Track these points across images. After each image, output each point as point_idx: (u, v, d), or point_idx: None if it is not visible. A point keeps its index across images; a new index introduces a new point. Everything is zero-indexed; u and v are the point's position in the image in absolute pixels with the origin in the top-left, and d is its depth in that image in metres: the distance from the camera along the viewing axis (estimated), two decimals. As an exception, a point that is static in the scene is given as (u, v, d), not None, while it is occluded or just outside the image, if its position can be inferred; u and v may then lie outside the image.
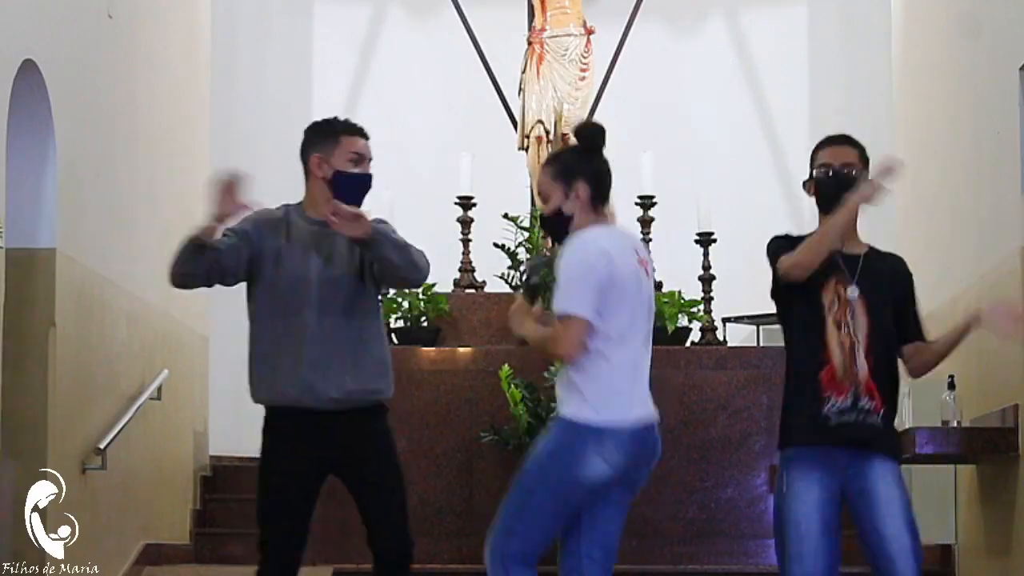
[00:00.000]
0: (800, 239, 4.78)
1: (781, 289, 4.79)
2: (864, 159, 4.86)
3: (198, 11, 10.17)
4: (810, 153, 4.92)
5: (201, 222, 4.88)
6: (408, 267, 4.98)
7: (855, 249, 4.81)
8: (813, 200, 4.87)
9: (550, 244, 9.50)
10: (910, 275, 4.90)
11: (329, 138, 5.05)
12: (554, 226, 4.67)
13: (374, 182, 5.13)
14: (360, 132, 5.11)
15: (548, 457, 4.51)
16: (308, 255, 4.97)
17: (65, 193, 6.76)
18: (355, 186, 5.05)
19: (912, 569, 4.65)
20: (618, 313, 4.51)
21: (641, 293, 4.58)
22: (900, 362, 4.85)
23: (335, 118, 5.15)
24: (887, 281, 4.80)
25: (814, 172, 4.84)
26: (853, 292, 4.72)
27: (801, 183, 4.95)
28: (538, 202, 4.67)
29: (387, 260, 4.90)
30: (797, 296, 4.76)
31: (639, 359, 4.60)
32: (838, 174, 4.80)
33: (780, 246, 4.80)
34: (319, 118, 5.19)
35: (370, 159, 5.10)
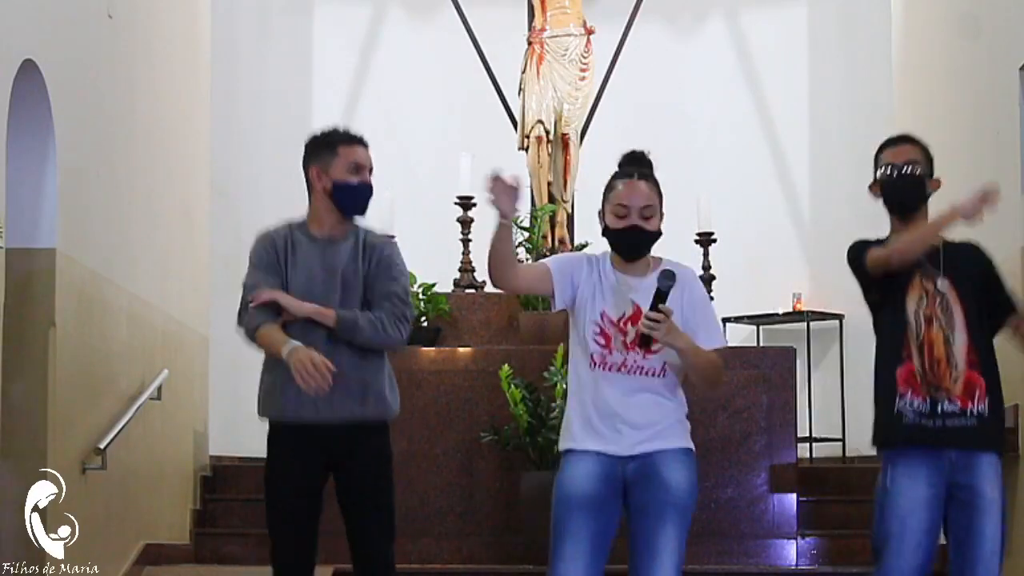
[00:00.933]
0: (880, 243, 4.78)
1: (871, 289, 4.79)
2: (927, 156, 4.87)
3: (198, 11, 10.16)
4: (874, 156, 4.92)
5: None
6: (383, 342, 4.98)
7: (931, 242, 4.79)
8: (880, 202, 4.85)
9: (568, 245, 9.46)
10: (990, 258, 4.90)
11: (327, 150, 5.06)
12: (646, 244, 4.62)
13: (376, 183, 5.13)
14: (358, 141, 5.10)
15: (694, 491, 4.58)
16: (312, 274, 4.98)
17: (65, 193, 6.76)
18: (355, 196, 5.06)
19: (995, 572, 4.64)
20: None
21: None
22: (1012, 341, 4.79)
23: (334, 129, 5.14)
24: (972, 267, 4.81)
25: (878, 173, 4.84)
26: (943, 283, 4.73)
27: (867, 187, 4.93)
28: (632, 213, 4.60)
29: (361, 341, 4.94)
30: (883, 298, 4.76)
31: None
32: (902, 172, 4.80)
33: (866, 244, 4.80)
34: (319, 126, 5.20)
35: (371, 168, 5.08)
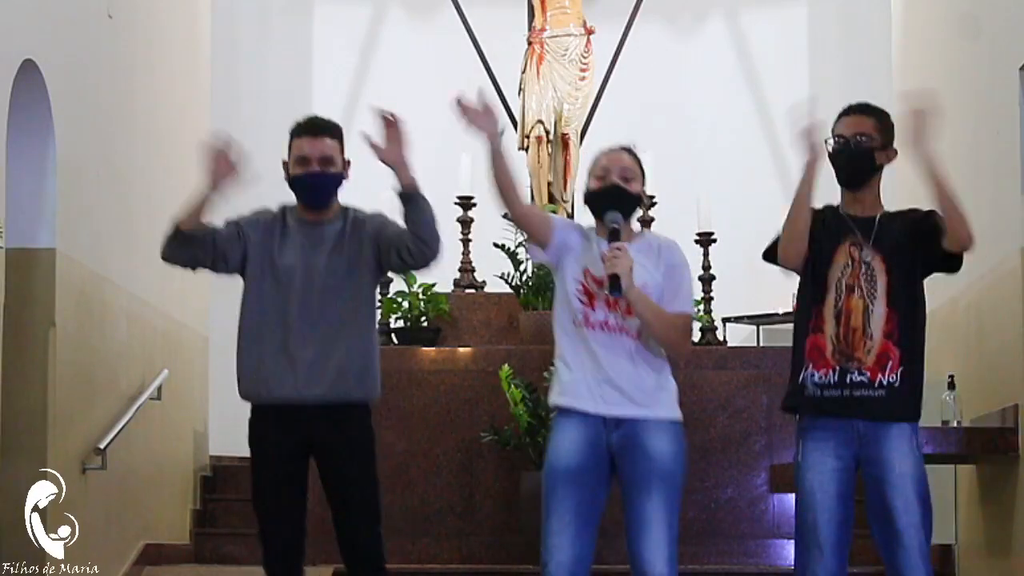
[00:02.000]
0: (821, 211, 4.80)
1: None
2: (884, 125, 4.84)
3: (198, 11, 10.17)
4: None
5: (195, 192, 4.90)
6: (432, 236, 5.01)
7: (870, 212, 4.79)
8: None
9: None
10: (911, 209, 4.84)
11: (289, 142, 5.07)
12: (628, 205, 4.69)
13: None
14: (306, 131, 5.08)
15: (680, 460, 4.66)
16: (300, 257, 4.99)
17: (65, 193, 6.76)
18: (303, 188, 5.06)
19: (919, 545, 4.61)
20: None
21: None
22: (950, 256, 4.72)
23: (296, 122, 5.14)
24: (902, 233, 4.76)
25: (828, 144, 4.84)
26: (868, 253, 4.71)
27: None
28: (612, 174, 4.66)
29: (423, 219, 4.95)
30: (809, 264, 4.77)
31: None
32: (849, 145, 4.80)
33: (776, 240, 4.85)
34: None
35: (324, 157, 5.03)
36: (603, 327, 4.59)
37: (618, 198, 4.66)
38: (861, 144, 4.80)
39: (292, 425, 4.96)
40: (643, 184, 4.76)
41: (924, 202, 4.82)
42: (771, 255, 4.91)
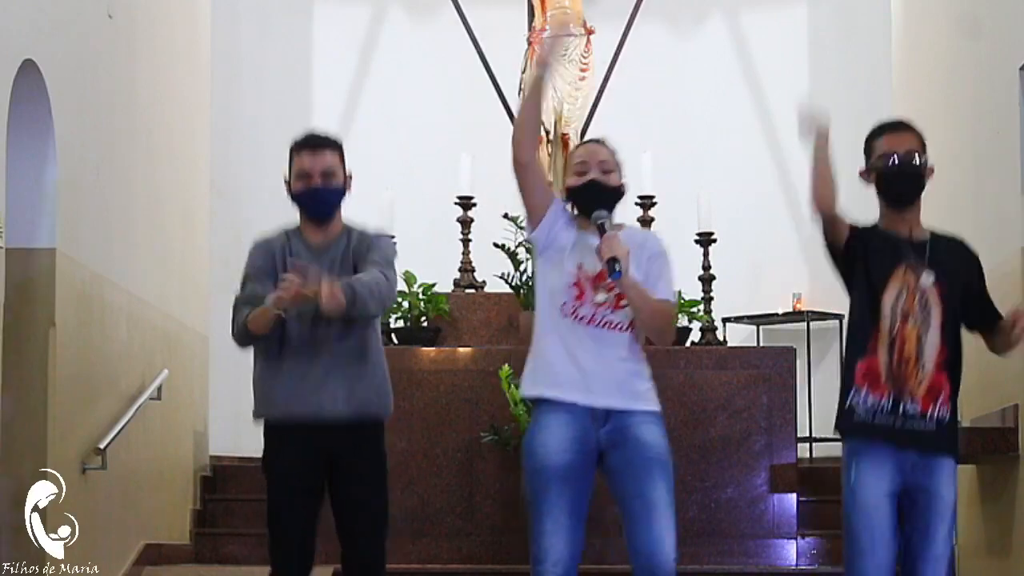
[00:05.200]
0: (862, 231, 4.71)
1: (840, 261, 4.74)
2: (923, 143, 4.75)
3: (198, 11, 10.17)
4: (866, 139, 4.83)
5: (265, 311, 4.91)
6: (380, 307, 4.99)
7: (917, 231, 4.71)
8: (874, 190, 4.77)
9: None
10: (976, 257, 4.79)
11: (290, 159, 5.08)
12: (608, 199, 4.71)
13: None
14: (305, 146, 5.07)
15: (670, 451, 4.64)
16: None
17: (65, 193, 6.76)
18: (305, 203, 5.07)
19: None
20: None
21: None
22: (984, 343, 4.74)
23: (300, 136, 5.13)
24: (958, 265, 4.71)
25: (879, 162, 4.73)
26: (928, 279, 4.64)
27: (857, 172, 4.84)
28: (591, 168, 4.70)
29: (367, 314, 4.94)
30: (858, 276, 4.69)
31: None
32: (905, 163, 4.69)
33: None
34: (319, 126, 5.21)
35: (325, 171, 5.02)
36: (591, 321, 4.62)
37: (599, 193, 4.69)
38: (916, 163, 4.70)
39: (310, 445, 4.97)
40: (622, 173, 4.78)
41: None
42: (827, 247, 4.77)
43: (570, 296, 4.63)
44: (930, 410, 4.59)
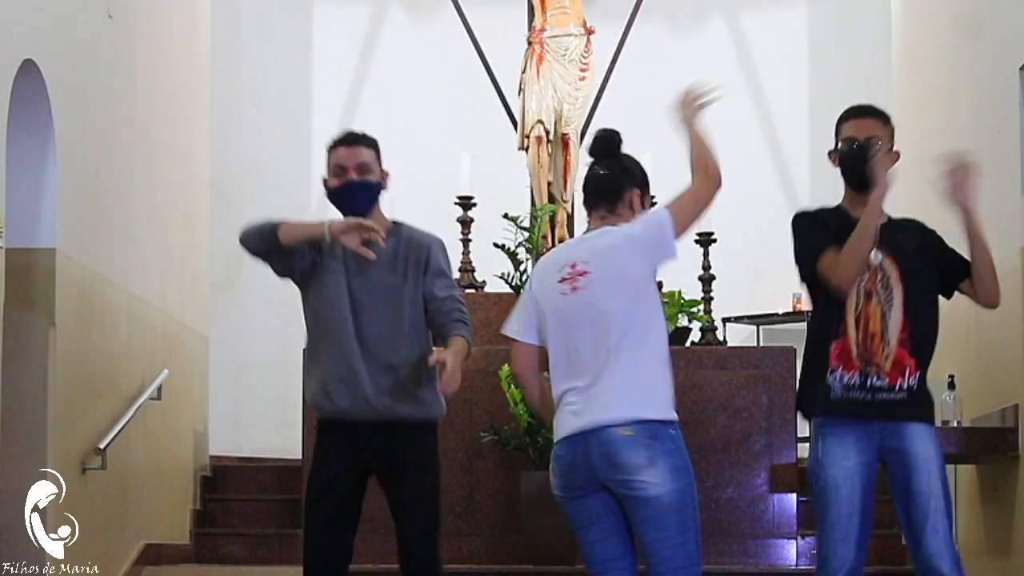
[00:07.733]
0: (823, 212, 4.84)
1: (812, 274, 4.86)
2: (890, 130, 4.87)
3: (198, 11, 10.17)
4: (836, 123, 4.92)
5: (316, 224, 4.89)
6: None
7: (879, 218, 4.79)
8: (838, 170, 4.87)
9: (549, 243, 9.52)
10: (932, 230, 4.91)
11: (327, 158, 5.07)
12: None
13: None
14: (340, 142, 5.06)
15: None
16: (351, 275, 4.95)
17: (65, 193, 6.76)
18: (340, 199, 5.04)
19: (944, 529, 4.65)
20: (552, 339, 4.52)
21: (561, 314, 4.49)
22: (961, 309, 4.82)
23: (336, 135, 5.13)
24: (911, 243, 4.83)
25: (839, 145, 4.85)
26: (878, 257, 4.74)
27: (826, 153, 4.94)
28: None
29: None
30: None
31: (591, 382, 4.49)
32: (862, 148, 4.79)
33: (805, 230, 4.89)
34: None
35: (360, 165, 5.00)
36: None
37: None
38: (873, 147, 4.79)
39: (357, 446, 4.93)
40: (639, 185, 4.89)
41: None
42: (810, 273, 4.87)
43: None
44: (899, 382, 4.70)
